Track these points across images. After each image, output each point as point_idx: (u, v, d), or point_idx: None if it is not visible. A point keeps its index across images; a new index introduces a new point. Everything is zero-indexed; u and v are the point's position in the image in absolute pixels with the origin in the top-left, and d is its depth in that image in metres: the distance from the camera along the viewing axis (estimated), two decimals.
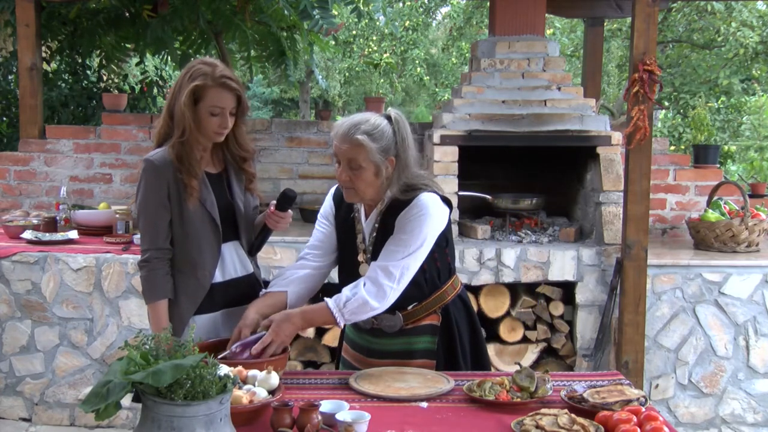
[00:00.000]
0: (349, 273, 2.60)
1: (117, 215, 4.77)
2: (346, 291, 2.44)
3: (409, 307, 2.56)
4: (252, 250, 2.72)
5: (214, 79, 2.47)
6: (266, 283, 2.76)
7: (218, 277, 2.61)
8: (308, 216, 4.97)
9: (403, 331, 2.56)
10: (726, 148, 9.56)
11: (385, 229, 2.50)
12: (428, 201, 2.45)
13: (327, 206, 2.69)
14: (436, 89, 17.43)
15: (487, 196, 4.64)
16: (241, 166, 2.67)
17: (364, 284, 2.42)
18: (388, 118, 2.46)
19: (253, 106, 17.10)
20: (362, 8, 6.30)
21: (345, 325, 2.73)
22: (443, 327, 2.57)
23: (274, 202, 2.64)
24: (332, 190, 2.71)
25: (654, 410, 2.04)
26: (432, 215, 2.44)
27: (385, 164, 2.43)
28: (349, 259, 2.61)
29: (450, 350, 2.60)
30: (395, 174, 2.45)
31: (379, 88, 16.58)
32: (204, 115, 2.49)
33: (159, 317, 2.54)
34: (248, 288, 2.70)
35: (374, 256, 2.51)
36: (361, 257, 2.57)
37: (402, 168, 2.46)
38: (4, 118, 6.67)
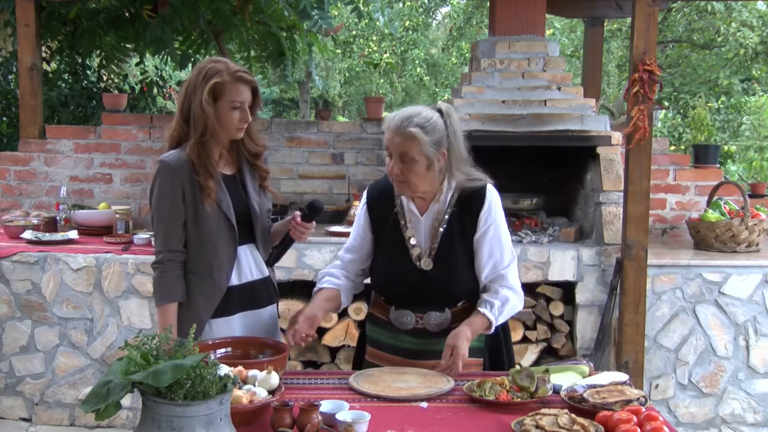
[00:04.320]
0: (400, 271, 2.56)
1: (117, 215, 4.77)
2: (491, 298, 2.52)
3: (459, 304, 2.59)
4: (270, 260, 2.71)
5: (231, 74, 2.49)
6: (280, 285, 2.75)
7: (234, 280, 2.60)
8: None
9: (450, 330, 2.54)
10: (726, 148, 9.55)
11: (462, 224, 2.54)
12: (496, 194, 2.59)
13: (361, 211, 2.66)
14: (436, 89, 17.41)
15: None
16: (254, 162, 2.66)
17: (502, 289, 2.53)
18: (439, 111, 2.48)
19: None
20: (362, 8, 6.30)
21: (368, 328, 2.73)
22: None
23: (299, 212, 2.62)
24: (365, 193, 2.70)
25: (654, 410, 2.04)
26: (501, 206, 2.60)
27: (437, 157, 2.44)
28: (396, 256, 2.57)
29: (495, 348, 2.63)
30: (449, 166, 2.48)
31: (379, 88, 16.56)
32: (225, 112, 2.49)
33: (167, 321, 2.52)
34: (264, 291, 2.70)
35: (442, 251, 2.53)
36: (415, 252, 2.54)
37: (455, 159, 2.49)
38: (4, 118, 6.67)
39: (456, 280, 2.56)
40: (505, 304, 2.53)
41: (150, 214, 2.60)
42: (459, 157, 2.50)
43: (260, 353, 2.48)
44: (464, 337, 2.42)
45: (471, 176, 2.56)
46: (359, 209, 2.69)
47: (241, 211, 2.60)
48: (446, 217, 2.54)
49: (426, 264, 2.53)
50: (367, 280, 2.76)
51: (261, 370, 2.21)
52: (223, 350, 2.49)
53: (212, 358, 2.29)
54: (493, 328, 2.53)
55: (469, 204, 2.54)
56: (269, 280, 2.72)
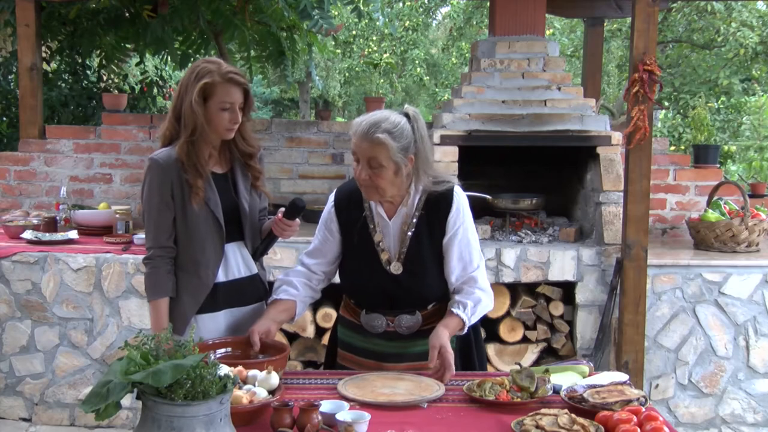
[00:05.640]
0: (370, 275, 2.56)
1: (117, 215, 4.77)
2: (463, 299, 2.51)
3: (430, 307, 2.58)
4: (256, 255, 2.72)
5: (221, 75, 2.50)
6: (270, 284, 2.76)
7: (221, 277, 2.62)
8: (308, 216, 4.96)
9: (420, 333, 2.55)
10: (726, 148, 9.55)
11: (430, 227, 2.53)
12: (463, 195, 2.57)
13: (327, 214, 2.65)
14: (436, 89, 17.42)
15: (487, 196, 4.64)
16: (247, 162, 2.67)
17: (474, 290, 2.52)
18: (406, 115, 2.46)
19: None
20: (362, 8, 6.31)
21: (339, 331, 2.73)
22: None
23: (283, 209, 2.63)
24: (332, 196, 2.67)
25: (654, 410, 2.04)
26: (468, 208, 2.58)
27: (405, 162, 2.43)
28: (365, 261, 2.57)
29: (465, 349, 2.61)
30: (416, 170, 2.47)
31: (379, 88, 16.56)
32: (215, 112, 2.50)
33: (159, 315, 2.55)
34: (252, 289, 2.71)
35: (411, 255, 2.52)
36: (384, 256, 2.54)
37: (422, 163, 2.48)
38: (4, 118, 6.67)
39: (426, 284, 2.56)
40: (477, 304, 2.52)
41: (141, 211, 2.62)
42: (426, 161, 2.49)
43: (260, 353, 2.48)
44: (446, 336, 2.42)
45: (437, 179, 2.55)
46: (325, 212, 2.66)
47: (230, 210, 2.61)
48: (414, 220, 2.53)
49: (396, 268, 2.53)
50: (336, 280, 2.75)
51: (261, 370, 2.21)
52: (223, 350, 2.49)
53: (212, 358, 2.30)
54: (466, 329, 2.53)
55: (436, 207, 2.54)
56: (257, 278, 2.73)
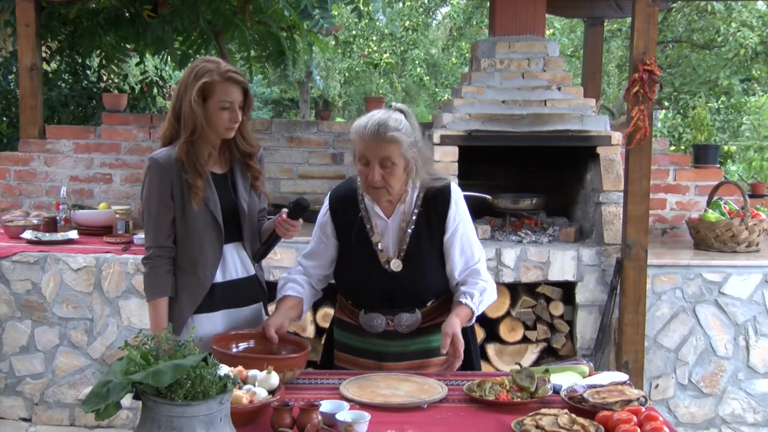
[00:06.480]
0: (369, 275, 2.56)
1: (117, 215, 4.77)
2: (469, 289, 2.54)
3: (429, 304, 2.58)
4: (257, 256, 2.71)
5: (220, 74, 2.49)
6: (269, 284, 2.75)
7: (219, 278, 2.61)
8: (308, 216, 4.96)
9: (420, 331, 2.56)
10: (726, 148, 9.55)
11: (429, 224, 2.54)
12: (459, 191, 2.59)
13: (323, 217, 2.65)
14: (436, 89, 17.43)
15: (487, 196, 4.64)
16: (247, 162, 2.66)
17: (478, 281, 2.56)
18: (401, 111, 2.48)
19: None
20: (362, 8, 6.32)
21: (335, 332, 2.73)
22: None
23: (286, 210, 2.63)
24: (327, 199, 2.68)
25: (654, 410, 2.04)
26: (464, 203, 2.61)
27: (413, 157, 2.45)
28: (363, 261, 2.56)
29: (465, 347, 2.62)
30: (419, 165, 2.49)
31: (379, 88, 16.57)
32: (214, 111, 2.50)
33: (158, 315, 2.55)
34: (249, 290, 2.70)
35: (411, 252, 2.52)
36: (383, 255, 2.54)
37: (424, 158, 2.50)
38: (4, 118, 6.67)
39: (425, 281, 2.57)
40: (483, 294, 2.56)
41: (141, 211, 2.62)
42: (425, 157, 2.52)
43: (282, 348, 2.49)
44: (458, 325, 2.44)
45: (434, 175, 2.57)
46: (321, 215, 2.66)
47: (229, 210, 2.61)
48: (413, 217, 2.54)
49: (395, 266, 2.53)
50: (331, 281, 2.75)
51: (286, 367, 2.23)
52: (245, 344, 2.50)
53: (234, 351, 2.39)
54: (474, 319, 2.56)
55: (435, 204, 2.55)
56: (255, 279, 2.73)
